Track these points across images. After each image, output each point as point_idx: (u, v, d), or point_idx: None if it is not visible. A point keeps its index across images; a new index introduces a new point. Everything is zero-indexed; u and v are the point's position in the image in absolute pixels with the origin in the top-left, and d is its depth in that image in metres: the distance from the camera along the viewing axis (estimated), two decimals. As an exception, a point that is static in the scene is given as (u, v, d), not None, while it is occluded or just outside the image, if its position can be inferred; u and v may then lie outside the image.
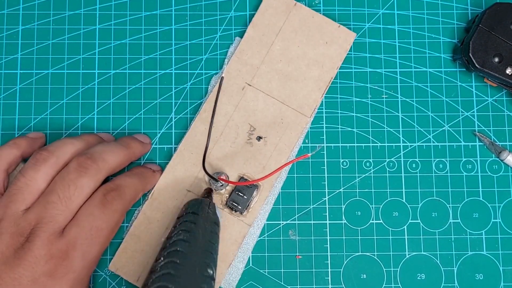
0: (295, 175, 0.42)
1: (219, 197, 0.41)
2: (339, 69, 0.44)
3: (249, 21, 0.44)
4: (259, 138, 0.41)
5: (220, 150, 0.41)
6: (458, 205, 0.42)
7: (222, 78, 0.41)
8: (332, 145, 0.43)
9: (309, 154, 0.38)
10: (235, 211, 0.40)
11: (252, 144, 0.41)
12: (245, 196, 0.40)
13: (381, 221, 0.42)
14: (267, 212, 0.41)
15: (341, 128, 0.43)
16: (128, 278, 0.39)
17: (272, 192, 0.41)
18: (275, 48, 0.42)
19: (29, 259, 0.33)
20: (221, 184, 0.40)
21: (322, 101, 0.43)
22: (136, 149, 0.40)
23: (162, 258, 0.33)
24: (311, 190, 0.42)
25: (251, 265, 0.41)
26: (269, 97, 0.42)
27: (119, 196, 0.37)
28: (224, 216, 0.40)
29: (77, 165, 0.36)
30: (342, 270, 0.41)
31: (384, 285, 0.41)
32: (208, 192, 0.39)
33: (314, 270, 0.41)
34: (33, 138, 0.40)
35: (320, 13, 0.45)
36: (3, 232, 0.34)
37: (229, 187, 0.41)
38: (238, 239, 0.40)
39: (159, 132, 0.43)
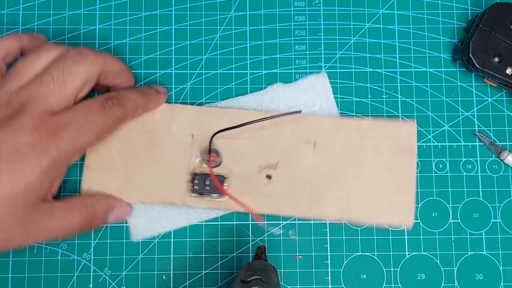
0: (295, 175, 0.43)
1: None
2: (339, 68, 0.44)
3: (249, 21, 0.44)
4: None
5: None
6: (458, 205, 0.42)
7: (298, 111, 0.41)
8: (332, 145, 0.43)
9: (264, 223, 0.39)
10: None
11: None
12: (207, 187, 0.40)
13: (381, 221, 0.42)
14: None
15: (341, 128, 0.43)
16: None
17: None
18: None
19: (14, 127, 0.33)
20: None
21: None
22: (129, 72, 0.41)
23: None
24: (311, 190, 0.42)
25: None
26: None
27: (119, 104, 0.37)
28: None
29: (75, 53, 0.36)
30: (342, 270, 0.41)
31: (384, 285, 0.41)
32: (262, 251, 0.38)
33: (314, 270, 0.41)
34: (35, 36, 0.40)
35: (320, 14, 0.45)
36: None
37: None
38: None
39: (159, 132, 0.43)
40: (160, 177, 0.40)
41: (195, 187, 0.40)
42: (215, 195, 0.40)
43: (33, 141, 0.33)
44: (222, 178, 0.40)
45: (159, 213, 0.41)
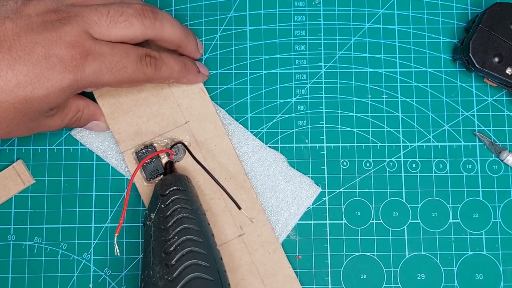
0: (295, 175, 0.43)
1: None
2: (339, 68, 0.44)
3: (249, 21, 0.44)
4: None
5: None
6: (458, 205, 0.42)
7: None
8: (332, 145, 0.43)
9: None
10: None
11: None
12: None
13: (381, 221, 0.42)
14: None
15: (341, 128, 0.43)
16: None
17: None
18: None
19: (53, 34, 0.33)
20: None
21: (322, 101, 0.43)
22: (191, 42, 0.40)
23: (176, 237, 0.35)
24: (311, 190, 0.42)
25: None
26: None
27: (155, 66, 0.37)
28: None
29: (140, 8, 0.36)
30: (342, 270, 0.41)
31: (384, 285, 0.41)
32: (171, 165, 0.40)
33: (314, 270, 0.41)
34: None
35: (320, 14, 0.45)
36: (40, 2, 0.34)
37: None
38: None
39: (159, 132, 0.43)
40: (134, 118, 0.41)
41: (140, 153, 0.40)
42: (143, 174, 0.41)
43: (65, 56, 0.33)
44: (161, 170, 0.40)
45: (105, 137, 0.42)
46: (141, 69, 0.36)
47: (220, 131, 0.42)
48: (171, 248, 0.35)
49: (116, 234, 0.37)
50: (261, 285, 0.40)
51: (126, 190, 0.40)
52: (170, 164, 0.40)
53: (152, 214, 0.37)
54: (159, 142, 0.41)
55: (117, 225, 0.41)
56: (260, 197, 0.42)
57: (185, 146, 0.40)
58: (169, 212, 0.36)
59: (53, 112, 0.36)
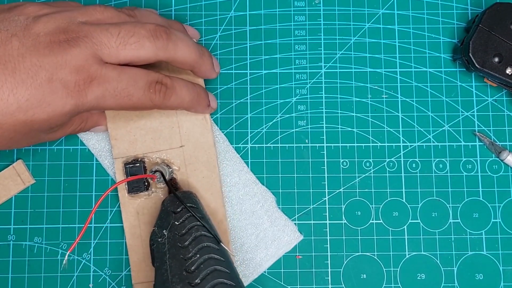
0: (295, 175, 0.42)
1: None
2: (339, 68, 0.44)
3: (249, 21, 0.44)
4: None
5: None
6: (458, 205, 0.42)
7: None
8: (332, 145, 0.43)
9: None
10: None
11: None
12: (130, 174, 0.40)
13: (381, 221, 0.42)
14: None
15: (341, 128, 0.43)
16: None
17: None
18: None
19: (58, 58, 0.32)
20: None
21: (322, 101, 0.43)
22: (206, 62, 0.39)
23: (198, 255, 0.34)
24: (311, 190, 0.42)
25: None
26: None
27: (165, 94, 0.36)
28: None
29: (153, 29, 0.35)
30: (342, 270, 0.41)
31: (384, 285, 0.41)
32: (175, 182, 0.40)
33: (314, 270, 0.41)
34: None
35: (320, 14, 0.45)
36: (50, 20, 0.33)
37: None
38: None
39: (159, 132, 0.43)
40: (134, 128, 0.41)
41: (129, 165, 0.40)
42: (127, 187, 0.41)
43: (69, 81, 0.32)
44: (143, 187, 0.40)
45: (102, 138, 0.42)
46: (148, 96, 0.35)
47: (212, 164, 0.41)
48: (193, 267, 0.34)
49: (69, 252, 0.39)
50: None
51: (103, 193, 0.40)
52: (175, 181, 0.40)
53: (164, 231, 0.36)
54: (151, 159, 0.41)
55: (118, 224, 0.41)
56: (241, 231, 0.41)
57: (166, 181, 0.39)
58: (186, 230, 0.36)
59: (54, 129, 0.35)
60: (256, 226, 0.41)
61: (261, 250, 0.41)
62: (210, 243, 0.35)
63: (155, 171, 0.40)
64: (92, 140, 0.42)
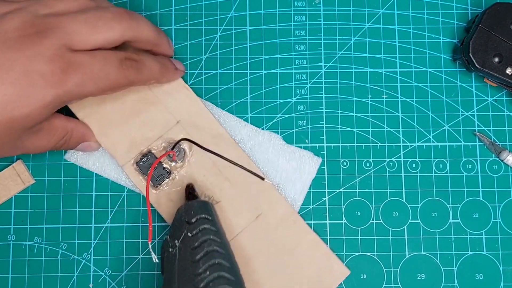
0: (295, 175, 0.43)
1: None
2: (339, 68, 0.44)
3: (249, 21, 0.44)
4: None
5: None
6: (458, 205, 0.42)
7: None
8: (332, 145, 0.43)
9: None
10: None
11: None
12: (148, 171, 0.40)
13: (381, 221, 0.42)
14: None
15: (341, 128, 0.43)
16: None
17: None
18: None
19: (31, 50, 0.32)
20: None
21: (322, 101, 0.43)
22: (164, 39, 0.40)
23: (208, 272, 0.33)
24: (311, 190, 0.42)
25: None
26: None
27: (137, 68, 0.37)
28: None
29: (117, 11, 0.35)
30: (342, 270, 0.41)
31: (384, 285, 0.41)
32: (193, 189, 0.40)
33: (314, 270, 0.41)
34: None
35: (320, 14, 0.45)
36: (15, 17, 0.33)
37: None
38: None
39: (159, 132, 0.43)
40: (125, 130, 0.41)
41: (141, 162, 0.40)
42: (150, 183, 0.40)
43: (46, 72, 0.32)
44: (166, 174, 0.40)
45: (100, 154, 0.42)
46: (123, 73, 0.36)
47: (213, 123, 0.42)
48: (202, 284, 0.33)
49: (149, 242, 0.37)
50: (290, 258, 0.40)
51: (146, 205, 0.40)
52: (192, 188, 0.40)
53: (176, 241, 0.35)
54: (156, 148, 0.41)
55: (118, 224, 0.41)
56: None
57: (188, 140, 0.40)
58: (198, 243, 0.35)
59: (36, 129, 0.35)
60: (275, 170, 0.42)
61: (290, 189, 0.42)
62: (222, 259, 0.34)
63: (173, 147, 0.40)
64: (90, 161, 0.42)
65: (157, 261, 0.38)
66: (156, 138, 0.41)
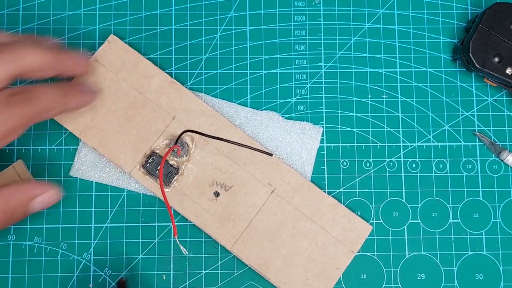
0: (295, 175, 0.43)
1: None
2: (339, 68, 0.44)
3: (249, 21, 0.44)
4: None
5: None
6: (458, 205, 0.42)
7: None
8: (332, 145, 0.43)
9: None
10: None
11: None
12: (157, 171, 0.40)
13: (381, 221, 0.42)
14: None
15: (341, 128, 0.43)
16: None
17: None
18: None
19: None
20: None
21: (322, 101, 0.43)
22: (66, 57, 0.35)
23: None
24: (311, 190, 0.42)
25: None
26: None
27: (27, 101, 0.32)
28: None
29: None
30: (342, 270, 0.41)
31: (384, 285, 0.41)
32: (124, 285, 0.40)
33: (314, 270, 0.41)
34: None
35: (320, 14, 0.45)
36: None
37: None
38: None
39: (159, 132, 0.43)
40: (124, 137, 0.41)
41: (148, 164, 0.40)
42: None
43: None
44: (174, 170, 0.40)
45: (105, 163, 0.42)
46: (13, 111, 0.31)
47: (208, 111, 0.42)
48: None
49: (176, 237, 0.38)
50: (312, 224, 0.40)
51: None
52: (123, 284, 0.40)
53: None
54: (159, 147, 0.41)
55: (118, 224, 0.41)
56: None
57: (190, 131, 0.39)
58: None
59: None
60: (279, 146, 0.42)
61: (297, 162, 0.42)
62: None
63: (177, 141, 0.40)
64: (96, 174, 0.42)
65: (187, 253, 0.40)
66: (156, 137, 0.41)
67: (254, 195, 0.41)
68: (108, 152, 0.41)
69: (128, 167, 0.41)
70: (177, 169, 0.40)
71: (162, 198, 0.39)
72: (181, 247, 0.40)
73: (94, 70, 0.41)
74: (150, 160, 0.40)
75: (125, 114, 0.41)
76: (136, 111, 0.41)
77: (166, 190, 0.40)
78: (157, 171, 0.40)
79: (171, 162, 0.40)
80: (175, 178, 0.40)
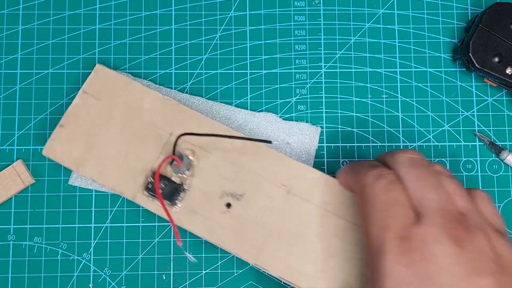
0: (295, 175, 0.42)
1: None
2: (339, 68, 0.44)
3: (249, 21, 0.44)
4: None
5: None
6: (458, 205, 0.42)
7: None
8: (332, 145, 0.43)
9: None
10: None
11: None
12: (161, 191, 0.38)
13: (381, 221, 0.42)
14: None
15: (341, 128, 0.43)
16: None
17: None
18: None
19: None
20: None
21: (322, 101, 0.43)
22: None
23: None
24: (311, 190, 0.42)
25: (251, 265, 0.41)
26: None
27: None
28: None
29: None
30: (342, 270, 0.41)
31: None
32: None
33: (314, 270, 0.41)
34: None
35: (320, 14, 0.45)
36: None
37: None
38: None
39: (159, 132, 0.43)
40: (122, 163, 0.39)
41: (149, 185, 0.38)
42: (166, 201, 0.38)
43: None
44: (179, 187, 0.38)
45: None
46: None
47: (205, 121, 0.39)
48: None
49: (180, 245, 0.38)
50: (339, 220, 0.37)
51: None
52: None
53: None
54: (156, 166, 0.38)
55: (118, 224, 0.41)
56: None
57: (186, 134, 0.36)
58: None
59: None
60: (279, 147, 0.42)
61: (296, 160, 0.41)
62: None
63: (174, 150, 0.37)
64: (95, 184, 0.42)
65: (195, 260, 0.40)
66: (155, 157, 0.39)
67: (269, 199, 0.37)
68: (109, 182, 0.38)
69: (130, 193, 0.38)
70: (181, 185, 0.38)
71: (168, 218, 0.36)
72: (188, 256, 0.39)
73: (84, 102, 0.40)
74: (152, 180, 0.38)
75: (121, 140, 0.39)
76: (132, 134, 0.39)
77: (174, 210, 0.38)
78: (161, 191, 0.37)
79: (174, 179, 0.38)
80: (181, 195, 0.38)
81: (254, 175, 0.38)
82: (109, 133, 0.39)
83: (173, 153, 0.37)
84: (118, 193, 0.38)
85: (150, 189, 0.38)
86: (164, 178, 0.38)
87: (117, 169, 0.39)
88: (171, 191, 0.37)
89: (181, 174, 0.38)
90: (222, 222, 0.37)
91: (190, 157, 0.38)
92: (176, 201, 0.38)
